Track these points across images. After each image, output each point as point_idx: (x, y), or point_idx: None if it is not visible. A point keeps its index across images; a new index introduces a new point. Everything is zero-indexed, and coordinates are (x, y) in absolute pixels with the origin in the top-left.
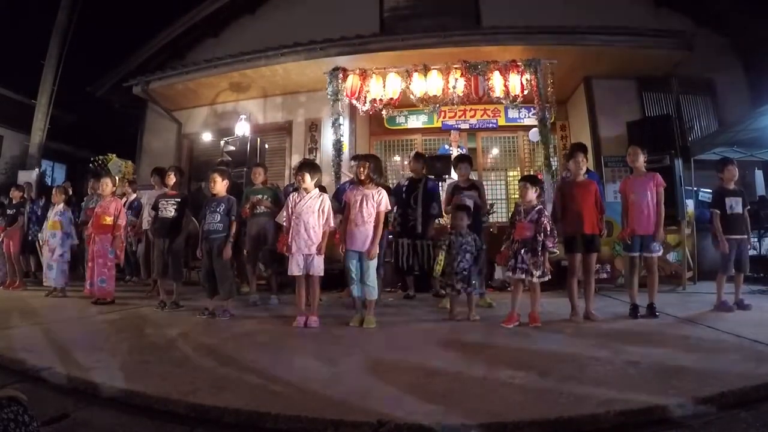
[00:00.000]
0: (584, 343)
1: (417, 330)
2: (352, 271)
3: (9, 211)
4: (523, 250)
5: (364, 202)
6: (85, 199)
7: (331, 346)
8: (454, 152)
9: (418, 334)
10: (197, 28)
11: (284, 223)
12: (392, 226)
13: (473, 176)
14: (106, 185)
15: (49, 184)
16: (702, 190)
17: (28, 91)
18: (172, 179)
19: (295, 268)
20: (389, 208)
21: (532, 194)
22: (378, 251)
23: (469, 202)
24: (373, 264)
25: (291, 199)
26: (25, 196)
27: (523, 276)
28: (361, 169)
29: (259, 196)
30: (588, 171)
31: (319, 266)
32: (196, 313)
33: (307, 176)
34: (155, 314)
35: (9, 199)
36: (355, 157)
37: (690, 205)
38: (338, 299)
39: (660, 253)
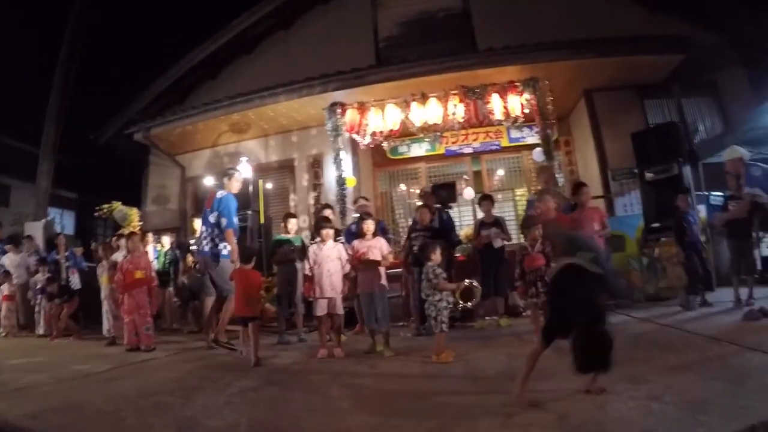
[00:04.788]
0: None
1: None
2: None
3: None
4: (538, 279)
5: (370, 252)
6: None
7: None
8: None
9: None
10: (195, 70)
11: (308, 273)
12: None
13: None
14: (136, 241)
15: (59, 232)
16: (713, 194)
17: (32, 140)
18: None
19: (320, 310)
20: (390, 250)
21: (536, 233)
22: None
23: (498, 243)
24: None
25: (312, 251)
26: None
27: (545, 298)
28: (368, 227)
29: (291, 245)
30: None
31: (340, 307)
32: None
33: (323, 231)
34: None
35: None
36: (362, 216)
37: (702, 210)
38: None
39: None
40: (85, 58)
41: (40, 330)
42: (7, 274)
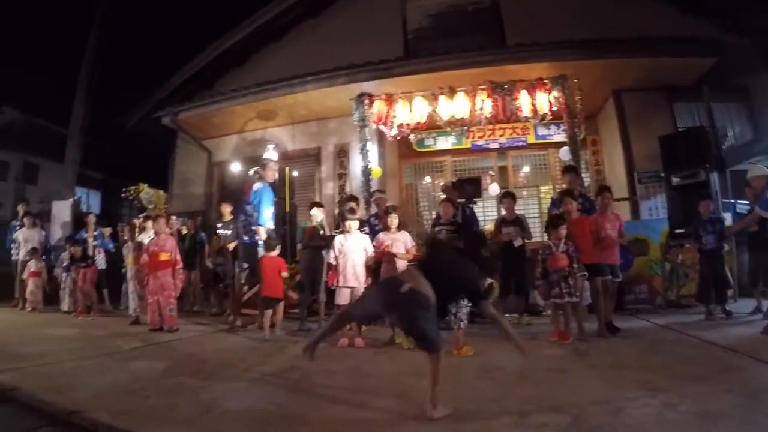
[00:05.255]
0: (620, 378)
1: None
2: None
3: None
4: (561, 280)
5: (394, 246)
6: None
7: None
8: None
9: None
10: (224, 56)
11: (333, 262)
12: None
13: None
14: (161, 224)
15: (85, 210)
16: (739, 202)
17: (62, 121)
18: None
19: (342, 299)
20: (413, 244)
21: (561, 232)
22: None
23: (519, 242)
24: None
25: (338, 241)
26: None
27: (568, 299)
28: (391, 220)
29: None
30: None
31: None
32: None
33: (348, 221)
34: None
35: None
36: (387, 210)
37: (728, 218)
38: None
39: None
40: (116, 42)
41: (65, 306)
42: (35, 252)
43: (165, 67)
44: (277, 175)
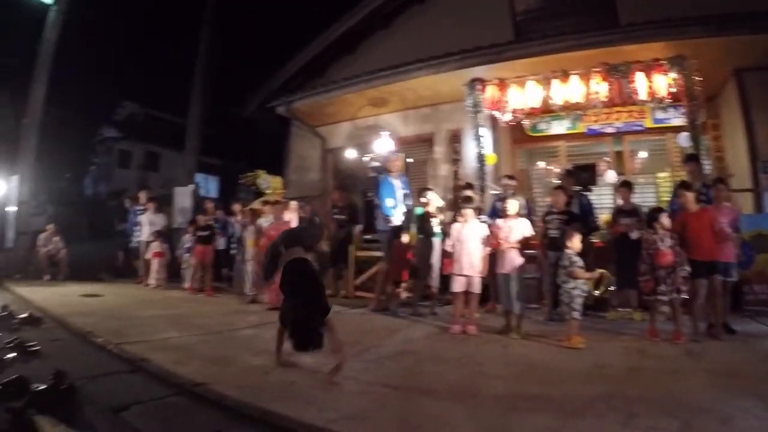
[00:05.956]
0: (732, 386)
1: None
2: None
3: (201, 233)
4: (668, 276)
5: (511, 233)
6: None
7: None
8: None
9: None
10: (334, 45)
11: (450, 249)
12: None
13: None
14: (281, 210)
15: (203, 195)
16: None
17: (179, 112)
18: None
19: (457, 286)
20: (532, 232)
21: (665, 221)
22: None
23: (635, 235)
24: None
25: (455, 228)
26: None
27: (676, 296)
28: (511, 208)
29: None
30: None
31: (477, 285)
32: None
33: (465, 210)
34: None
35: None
36: (506, 196)
37: None
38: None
39: None
40: (228, 36)
41: (186, 284)
42: (158, 234)
43: (277, 57)
44: (399, 166)
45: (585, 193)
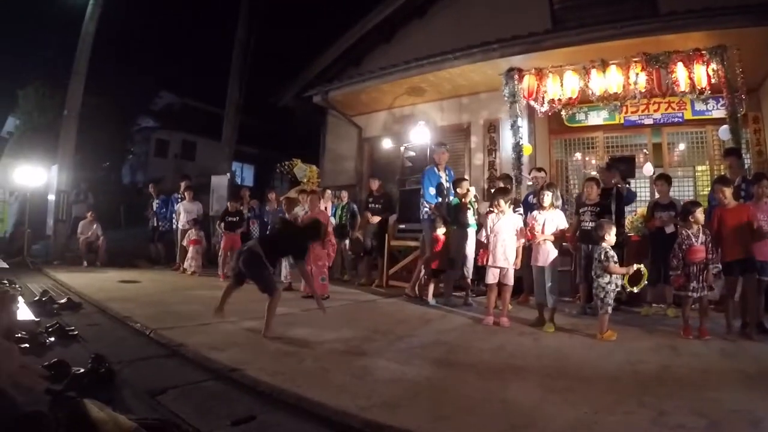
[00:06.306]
0: (761, 386)
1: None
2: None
3: (230, 218)
4: (700, 273)
5: (547, 225)
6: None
7: None
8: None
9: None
10: (369, 35)
11: (484, 241)
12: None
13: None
14: (316, 200)
15: (239, 184)
16: None
17: (215, 101)
18: None
19: (491, 278)
20: (567, 225)
21: (699, 216)
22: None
23: (670, 229)
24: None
25: (490, 220)
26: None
27: (707, 293)
28: (545, 198)
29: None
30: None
31: (511, 277)
32: None
33: (501, 201)
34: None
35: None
36: (542, 187)
37: None
38: (518, 304)
39: None
40: (264, 26)
41: (221, 271)
42: (195, 222)
43: (313, 47)
44: (444, 158)
45: (624, 185)
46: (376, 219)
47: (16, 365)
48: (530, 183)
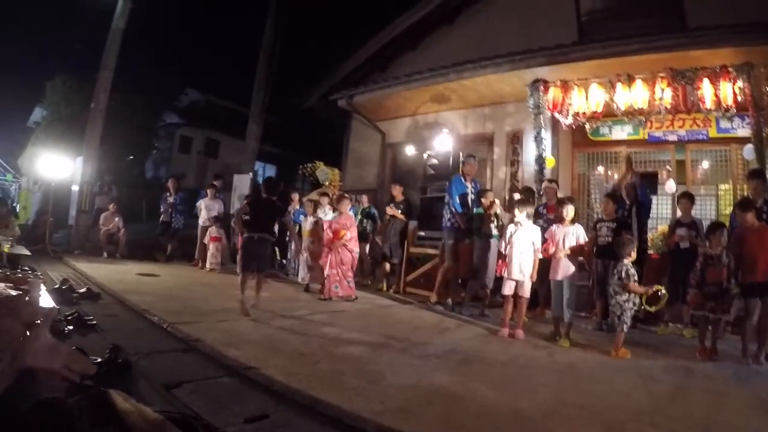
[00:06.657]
0: None
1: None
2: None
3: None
4: (718, 293)
5: (566, 240)
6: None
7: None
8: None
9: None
10: (396, 41)
11: (504, 251)
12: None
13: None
14: (346, 204)
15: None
16: None
17: (239, 99)
18: None
19: (507, 290)
20: (587, 239)
21: (722, 239)
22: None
23: (685, 244)
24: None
25: (510, 231)
26: None
27: (722, 315)
28: (566, 212)
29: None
30: None
31: (527, 290)
32: None
33: (516, 211)
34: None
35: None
36: (560, 201)
37: None
38: (533, 317)
39: None
40: (291, 28)
41: (238, 269)
42: (216, 219)
43: (339, 50)
44: (473, 169)
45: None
46: (400, 215)
47: (63, 363)
48: (541, 194)
